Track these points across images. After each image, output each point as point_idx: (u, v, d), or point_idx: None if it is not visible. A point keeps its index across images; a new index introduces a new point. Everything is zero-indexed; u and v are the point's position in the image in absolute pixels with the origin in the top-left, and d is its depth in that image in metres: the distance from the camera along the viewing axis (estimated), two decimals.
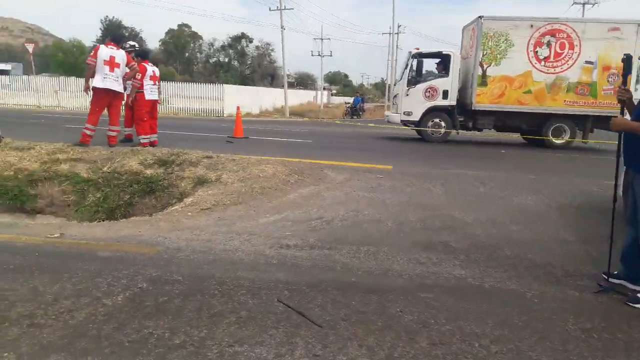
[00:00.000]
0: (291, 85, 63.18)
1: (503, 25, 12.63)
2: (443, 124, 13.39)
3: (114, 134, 8.20)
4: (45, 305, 2.96)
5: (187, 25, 63.70)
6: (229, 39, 61.96)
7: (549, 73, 12.56)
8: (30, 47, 24.71)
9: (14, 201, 6.48)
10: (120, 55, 7.96)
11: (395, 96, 14.57)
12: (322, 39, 50.40)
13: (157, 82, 8.97)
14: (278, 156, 8.30)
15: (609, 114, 12.78)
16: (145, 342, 2.58)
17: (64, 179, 6.74)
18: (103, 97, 7.92)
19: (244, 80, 54.26)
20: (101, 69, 7.74)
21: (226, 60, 63.68)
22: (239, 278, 3.50)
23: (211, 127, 17.15)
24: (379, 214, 5.42)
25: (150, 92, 8.70)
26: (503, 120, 13.30)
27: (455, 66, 13.20)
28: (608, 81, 12.57)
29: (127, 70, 8.07)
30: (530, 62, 12.56)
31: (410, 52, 13.71)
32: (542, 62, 12.54)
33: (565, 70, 12.49)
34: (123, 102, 8.65)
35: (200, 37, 64.37)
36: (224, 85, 29.73)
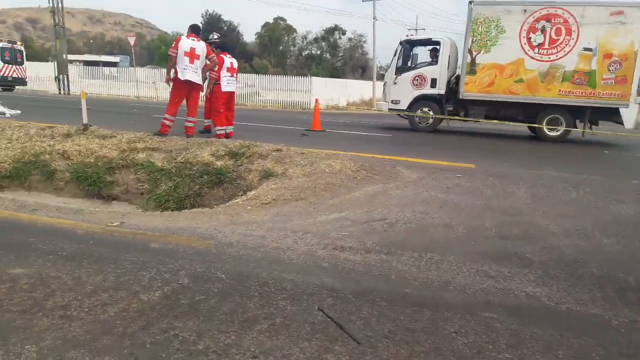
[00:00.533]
0: (382, 77, 62.24)
1: (494, 10, 11.87)
2: (431, 113, 12.82)
3: (191, 124, 8.36)
4: (82, 296, 2.92)
5: (282, 19, 65.27)
6: (322, 32, 62.48)
7: (543, 61, 11.62)
8: (131, 40, 26.50)
9: (92, 187, 6.80)
10: (201, 47, 8.07)
11: (384, 84, 14.06)
12: (416, 29, 49.00)
13: (234, 74, 9.03)
14: (351, 151, 8.00)
15: (609, 106, 11.54)
16: (168, 345, 2.42)
17: (139, 168, 6.95)
18: (182, 88, 8.08)
19: (335, 72, 54.46)
20: (181, 61, 7.89)
21: (318, 52, 64.33)
22: (282, 280, 3.27)
23: (293, 119, 17.23)
24: (449, 217, 4.94)
25: (227, 84, 8.77)
26: (496, 110, 12.47)
27: (444, 53, 12.62)
28: (609, 70, 11.37)
29: (207, 61, 8.17)
30: (523, 49, 11.69)
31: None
32: (536, 49, 11.63)
33: (561, 57, 11.49)
34: (203, 93, 8.81)
35: (295, 30, 65.67)
36: (312, 77, 29.95)
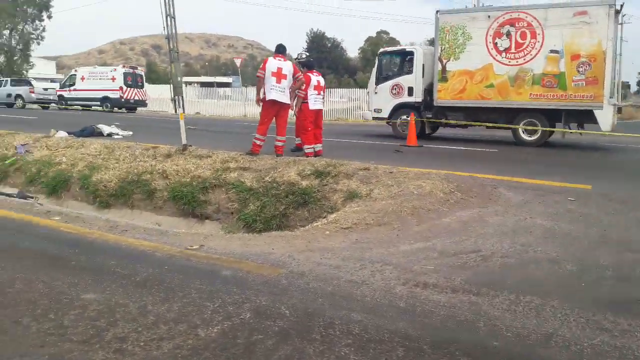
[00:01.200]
0: None
1: (460, 18, 12.26)
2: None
3: (280, 143, 8.39)
4: (142, 328, 2.85)
5: (385, 32, 65.06)
6: (427, 42, 61.35)
7: (511, 65, 11.68)
8: (237, 62, 27.98)
9: (187, 206, 7.01)
10: (287, 67, 8.10)
11: (368, 93, 14.75)
12: None
13: (321, 92, 8.95)
14: (447, 169, 7.44)
15: (583, 108, 11.25)
16: None
17: (230, 187, 7.05)
18: (270, 108, 8.15)
19: None
20: (269, 81, 7.96)
21: None
22: (350, 321, 2.95)
23: (391, 134, 16.85)
24: (556, 251, 4.26)
25: (314, 102, 8.71)
26: (474, 115, 12.69)
27: (418, 63, 13.05)
28: (578, 71, 11.17)
29: (294, 80, 8.18)
30: (491, 54, 11.85)
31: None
32: (503, 54, 11.75)
33: (529, 61, 11.48)
34: (293, 112, 8.83)
35: (398, 42, 65.12)
36: None
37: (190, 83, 36.96)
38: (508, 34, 11.60)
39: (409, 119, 12.47)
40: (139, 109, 27.28)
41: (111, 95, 25.54)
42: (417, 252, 4.29)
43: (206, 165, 7.66)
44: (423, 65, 13.05)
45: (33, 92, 27.94)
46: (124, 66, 28.12)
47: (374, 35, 64.42)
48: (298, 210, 6.44)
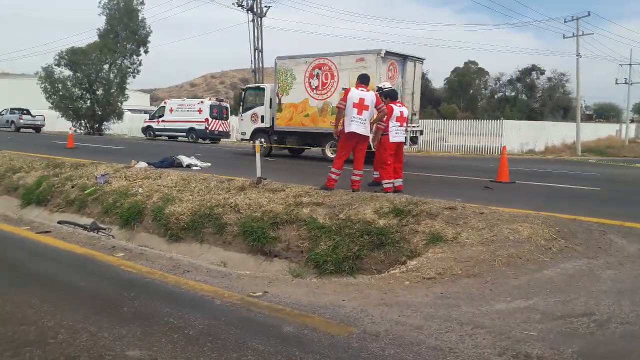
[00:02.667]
0: (588, 118, 55.41)
1: (290, 62, 15.38)
2: (263, 141, 14.94)
3: (357, 178, 7.92)
4: None
5: (473, 62, 63.08)
6: (518, 72, 58.62)
7: (319, 99, 14.57)
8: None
9: (256, 242, 6.69)
10: (370, 97, 7.68)
11: (239, 120, 18.72)
12: (630, 65, 42.46)
13: (404, 124, 8.37)
14: (546, 210, 6.54)
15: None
16: None
17: (302, 224, 6.65)
18: (349, 140, 7.74)
19: (532, 114, 50.16)
20: (350, 112, 7.59)
21: (513, 94, 60.35)
22: None
23: (478, 167, 15.81)
24: None
25: (395, 134, 8.15)
26: (301, 138, 15.73)
27: (267, 97, 16.22)
28: None
29: (376, 111, 7.73)
30: (307, 91, 14.81)
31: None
32: (314, 91, 14.67)
33: (330, 96, 14.25)
34: (372, 146, 8.34)
35: (487, 73, 62.90)
36: (504, 120, 27.79)
37: None
38: (317, 75, 14.58)
39: (262, 140, 14.59)
40: (222, 140, 28.21)
41: (197, 126, 26.62)
42: (515, 313, 3.58)
43: (279, 199, 7.35)
44: (270, 99, 16.11)
45: (22, 119, 33.64)
46: (210, 99, 29.33)
47: (462, 65, 62.66)
48: (373, 252, 5.89)
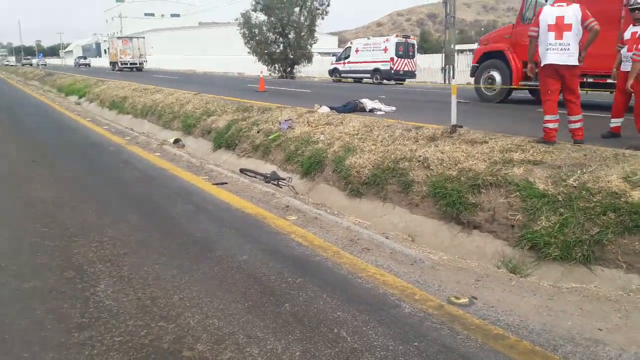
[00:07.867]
0: None
1: None
2: None
3: (577, 125, 5.92)
4: None
5: None
6: None
7: None
8: None
9: (450, 208, 5.41)
10: (571, 13, 5.51)
11: None
12: None
13: None
14: None
15: None
16: None
17: (513, 188, 5.12)
18: (550, 78, 5.76)
19: None
20: (544, 39, 5.59)
21: None
22: None
23: None
24: None
25: None
26: None
27: None
28: None
29: (584, 31, 5.56)
30: None
31: None
32: None
33: None
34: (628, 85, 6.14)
35: None
36: None
37: (462, 51, 34.48)
38: None
39: None
40: (407, 80, 26.60)
41: (382, 67, 25.42)
42: None
43: (480, 154, 5.87)
44: None
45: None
46: (396, 36, 27.64)
47: None
48: (623, 238, 4.15)
